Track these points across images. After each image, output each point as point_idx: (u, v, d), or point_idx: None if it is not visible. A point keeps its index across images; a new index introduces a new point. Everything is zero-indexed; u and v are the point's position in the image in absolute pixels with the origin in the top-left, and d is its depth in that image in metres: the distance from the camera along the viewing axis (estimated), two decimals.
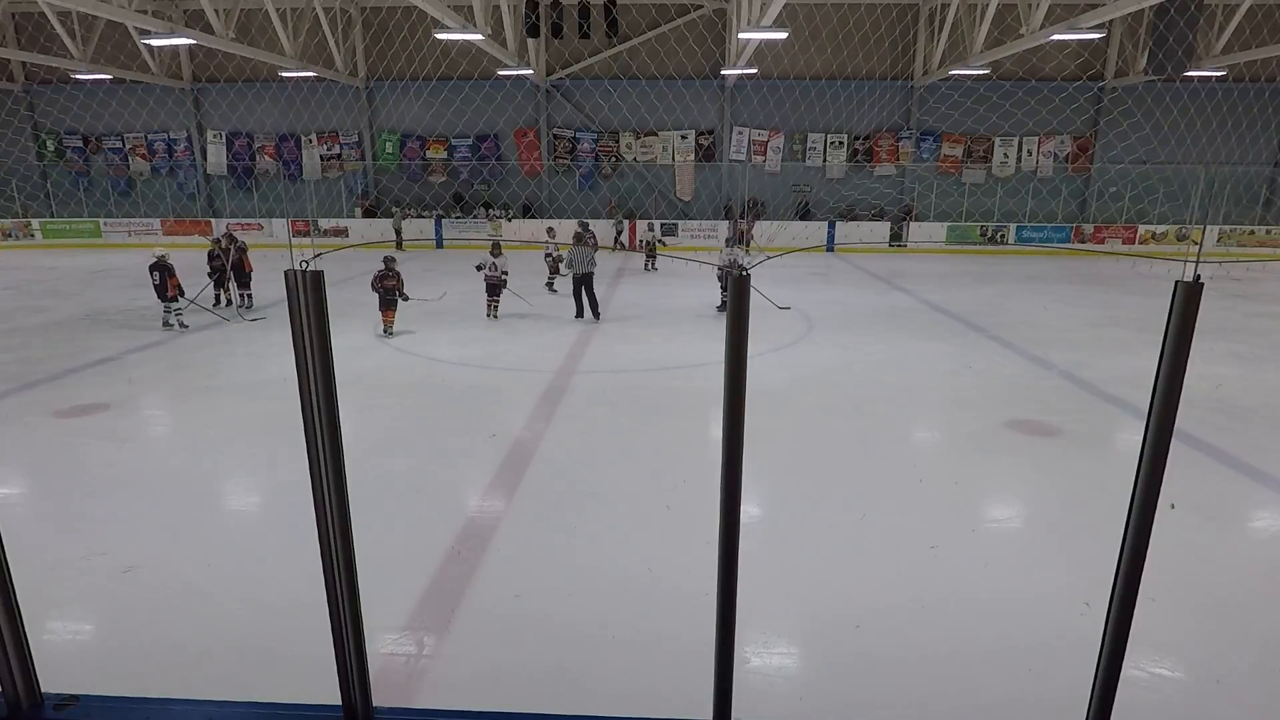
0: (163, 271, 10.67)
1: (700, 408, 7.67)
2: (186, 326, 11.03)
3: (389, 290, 10.40)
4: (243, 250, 12.45)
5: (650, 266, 17.96)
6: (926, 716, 3.35)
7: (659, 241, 19.02)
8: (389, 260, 10.46)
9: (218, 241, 12.59)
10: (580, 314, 12.05)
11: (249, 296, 12.62)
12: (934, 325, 11.64)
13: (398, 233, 21.82)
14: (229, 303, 12.54)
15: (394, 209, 22.72)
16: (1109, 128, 21.55)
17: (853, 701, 3.46)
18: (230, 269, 12.35)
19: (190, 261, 13.63)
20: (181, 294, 10.95)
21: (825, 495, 5.61)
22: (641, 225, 21.30)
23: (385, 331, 10.52)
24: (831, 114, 21.19)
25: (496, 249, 11.62)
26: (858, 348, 10.17)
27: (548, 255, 14.61)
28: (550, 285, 14.58)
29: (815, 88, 20.79)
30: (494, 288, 11.78)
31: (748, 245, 18.58)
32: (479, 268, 11.69)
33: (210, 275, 12.34)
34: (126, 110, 22.07)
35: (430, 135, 22.85)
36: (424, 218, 22.71)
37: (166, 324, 10.90)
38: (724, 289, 12.38)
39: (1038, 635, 3.86)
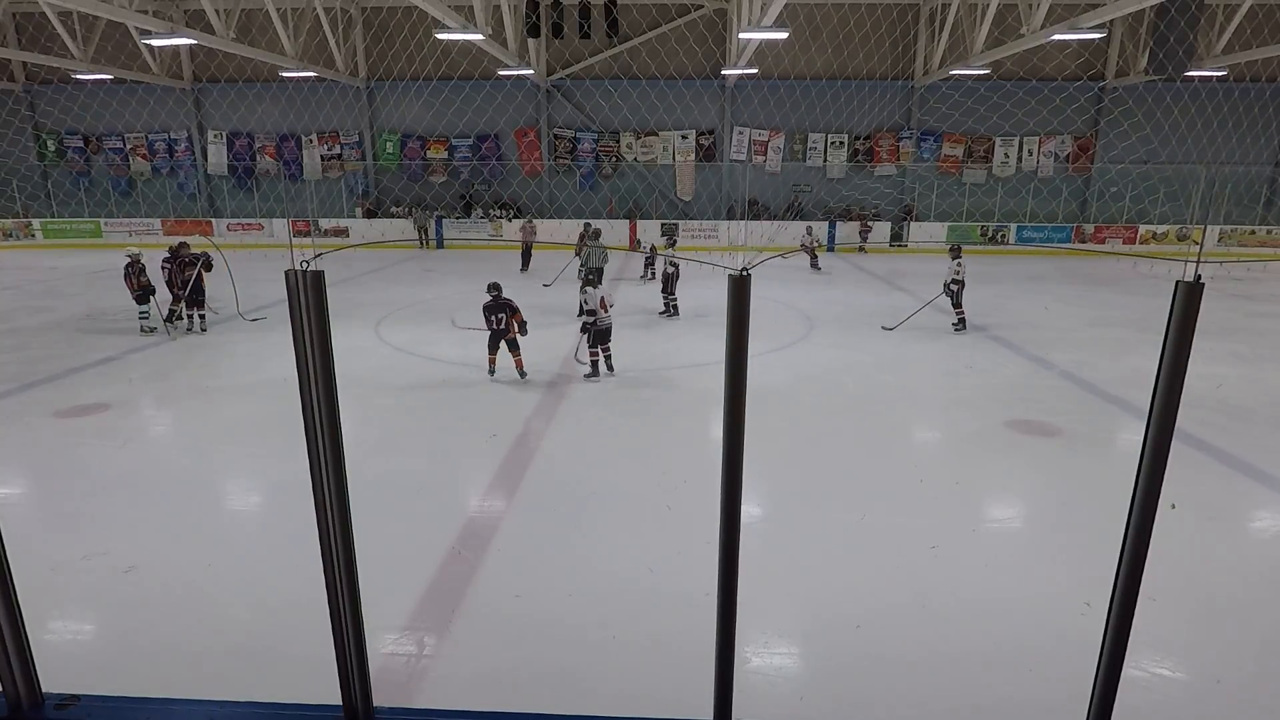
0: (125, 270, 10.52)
1: (701, 408, 7.67)
2: (151, 330, 10.67)
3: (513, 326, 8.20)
4: (206, 267, 10.71)
5: (668, 307, 12.35)
6: (926, 716, 3.35)
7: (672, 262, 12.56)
8: (498, 288, 8.26)
9: (174, 248, 10.71)
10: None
11: (202, 317, 10.96)
12: (934, 325, 11.63)
13: (423, 231, 21.85)
14: (179, 317, 10.82)
15: (413, 208, 22.67)
16: (1109, 128, 21.53)
17: (853, 701, 3.46)
18: (183, 284, 10.55)
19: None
20: (143, 298, 10.55)
21: (826, 495, 5.61)
22: (651, 231, 20.68)
23: (522, 374, 8.44)
24: (832, 114, 21.15)
25: (593, 281, 9.02)
26: (858, 348, 10.16)
27: (652, 265, 12.80)
28: (670, 309, 12.24)
29: (815, 88, 20.77)
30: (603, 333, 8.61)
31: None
32: (589, 310, 8.47)
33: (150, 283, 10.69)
34: (127, 110, 22.06)
35: (431, 135, 22.84)
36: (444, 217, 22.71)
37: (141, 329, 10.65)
38: (955, 305, 10.96)
39: (1038, 635, 3.86)
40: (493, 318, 8.21)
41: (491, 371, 8.54)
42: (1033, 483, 6.00)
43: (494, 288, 8.26)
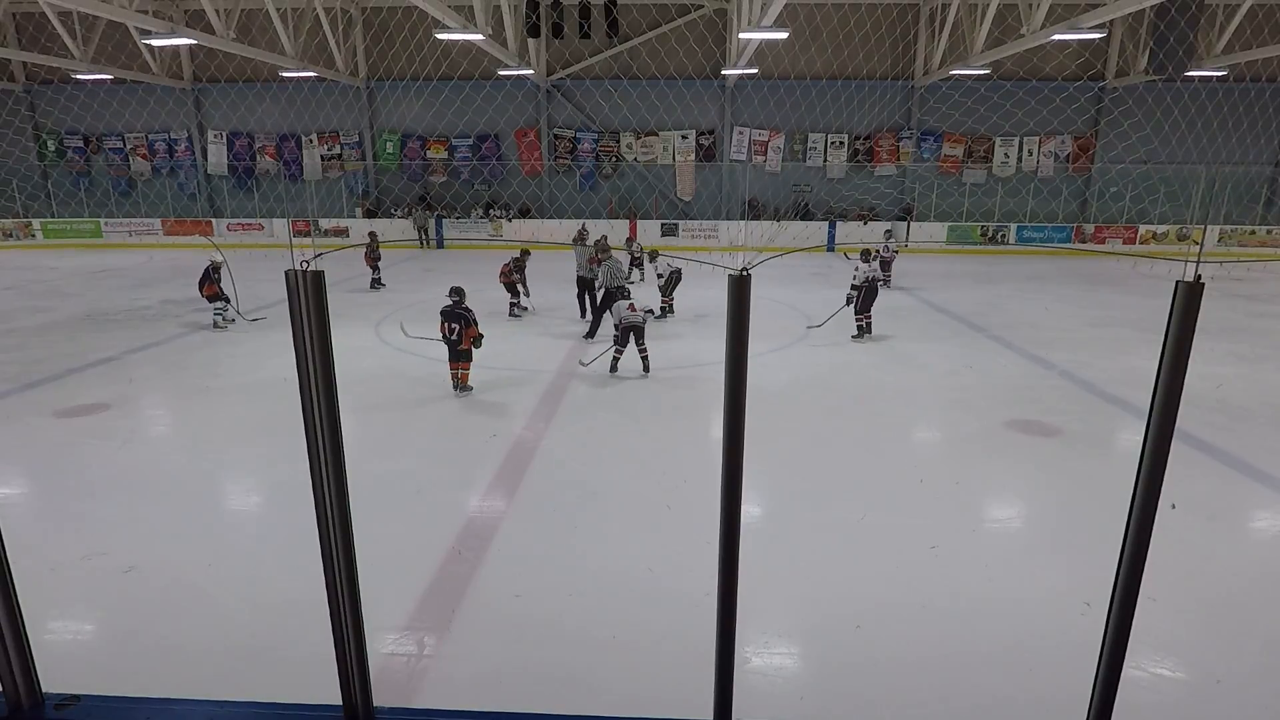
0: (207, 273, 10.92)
1: (701, 408, 7.67)
2: (228, 324, 11.10)
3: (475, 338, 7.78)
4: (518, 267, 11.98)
5: (664, 308, 12.10)
6: (926, 716, 3.35)
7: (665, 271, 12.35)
8: (459, 293, 7.88)
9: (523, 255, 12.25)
10: (584, 316, 11.91)
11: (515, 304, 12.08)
12: (934, 325, 11.63)
13: (422, 230, 21.88)
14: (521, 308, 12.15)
15: (413, 208, 22.70)
16: (1110, 127, 21.52)
17: (853, 701, 3.46)
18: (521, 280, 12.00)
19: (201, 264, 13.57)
20: (215, 298, 10.94)
21: (825, 495, 5.61)
22: (650, 232, 20.70)
23: (460, 389, 8.03)
24: (832, 114, 21.15)
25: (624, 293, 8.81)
26: (858, 348, 10.16)
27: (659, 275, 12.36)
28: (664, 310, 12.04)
29: (815, 88, 20.75)
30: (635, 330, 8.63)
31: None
32: (620, 314, 8.51)
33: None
34: (127, 110, 22.04)
35: (431, 135, 22.82)
36: (446, 217, 22.72)
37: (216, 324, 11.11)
38: (862, 310, 10.43)
39: (1038, 635, 3.86)
40: (446, 325, 7.68)
41: (456, 387, 7.98)
42: (1033, 483, 6.00)
43: (455, 292, 7.81)
